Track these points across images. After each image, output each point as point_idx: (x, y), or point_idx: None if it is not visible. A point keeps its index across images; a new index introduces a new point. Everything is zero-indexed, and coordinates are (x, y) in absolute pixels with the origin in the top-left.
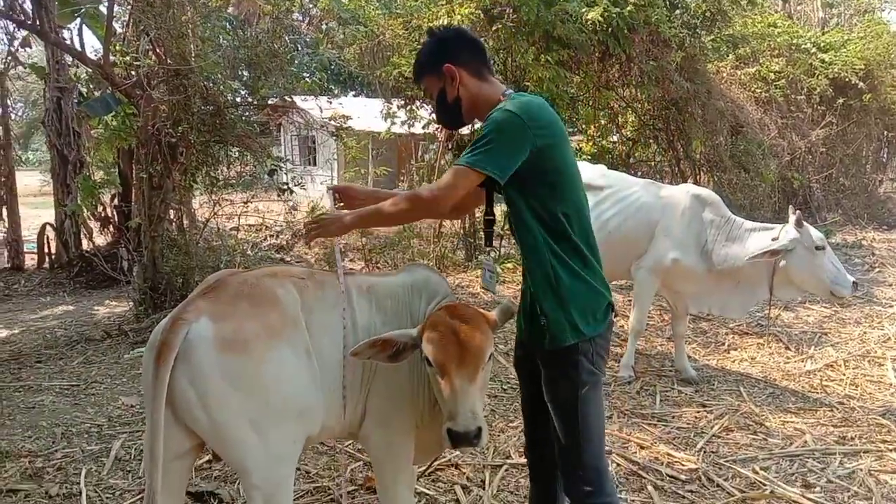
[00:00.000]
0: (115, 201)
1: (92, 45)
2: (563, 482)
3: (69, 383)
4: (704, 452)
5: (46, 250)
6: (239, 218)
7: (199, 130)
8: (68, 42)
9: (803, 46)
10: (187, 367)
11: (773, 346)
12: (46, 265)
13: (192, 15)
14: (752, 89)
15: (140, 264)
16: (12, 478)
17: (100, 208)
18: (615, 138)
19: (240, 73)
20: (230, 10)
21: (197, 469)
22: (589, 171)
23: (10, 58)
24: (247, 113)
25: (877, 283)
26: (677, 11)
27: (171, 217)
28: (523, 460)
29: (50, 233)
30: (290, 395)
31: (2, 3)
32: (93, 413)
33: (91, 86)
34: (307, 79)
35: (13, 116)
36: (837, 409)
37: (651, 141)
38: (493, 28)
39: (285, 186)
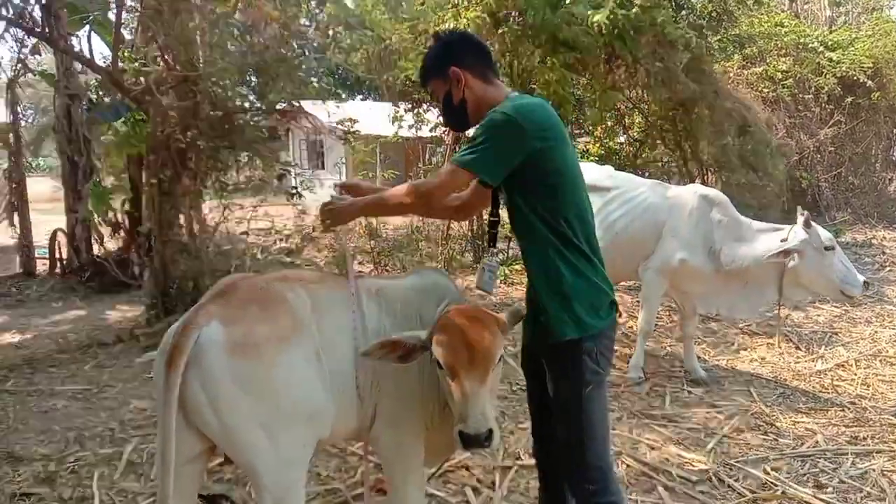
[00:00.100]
0: (126, 207)
1: (101, 51)
2: (567, 481)
3: (82, 387)
4: (715, 453)
5: (58, 256)
6: (248, 222)
7: (208, 136)
8: (77, 49)
9: (811, 45)
10: (198, 371)
11: (784, 346)
12: (58, 271)
13: (200, 21)
14: (760, 89)
15: (151, 269)
16: (26, 481)
17: (110, 214)
18: (622, 139)
19: (248, 78)
20: (238, 16)
21: (209, 471)
22: (596, 172)
23: (20, 65)
24: (255, 118)
25: (887, 282)
26: (683, 12)
27: (181, 222)
28: (533, 462)
29: (61, 238)
30: (301, 399)
31: (12, 11)
32: (105, 417)
33: (100, 92)
34: (315, 84)
35: (24, 123)
36: (849, 408)
37: (658, 142)
38: (500, 31)
39: (294, 191)
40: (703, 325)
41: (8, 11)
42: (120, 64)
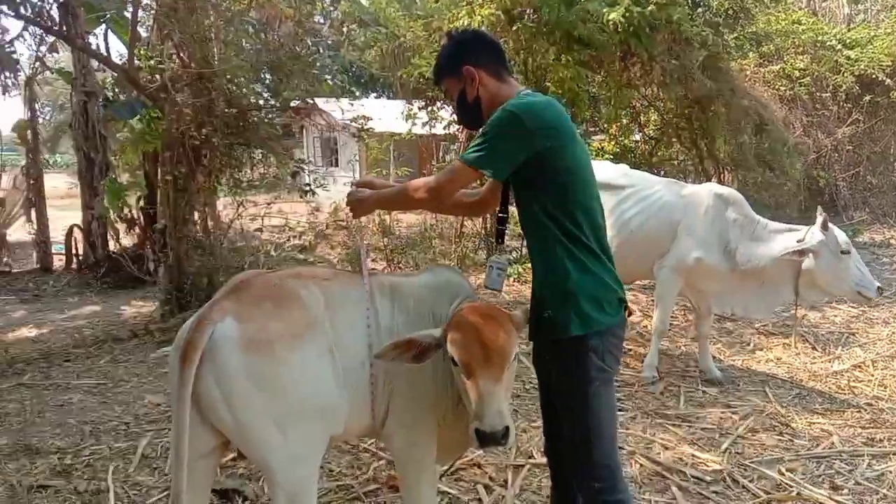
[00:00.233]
0: (141, 203)
1: (117, 49)
2: (574, 479)
3: (97, 382)
4: (729, 453)
5: (74, 251)
6: (262, 219)
7: (222, 133)
8: (94, 47)
9: (828, 43)
10: (212, 366)
11: (800, 347)
12: (74, 266)
13: (215, 19)
14: (777, 87)
15: (165, 265)
16: (42, 474)
17: (126, 210)
18: (637, 137)
19: (262, 76)
20: (252, 13)
21: (222, 466)
22: (611, 171)
23: (37, 63)
24: (270, 115)
25: None
26: (699, 10)
27: (196, 219)
28: (545, 460)
29: (77, 234)
30: (314, 396)
31: (30, 10)
32: (120, 411)
33: (117, 90)
34: (329, 81)
35: (41, 120)
36: (865, 410)
37: (674, 140)
38: (514, 28)
39: (308, 188)
40: (718, 324)
41: (26, 10)
42: (136, 62)
